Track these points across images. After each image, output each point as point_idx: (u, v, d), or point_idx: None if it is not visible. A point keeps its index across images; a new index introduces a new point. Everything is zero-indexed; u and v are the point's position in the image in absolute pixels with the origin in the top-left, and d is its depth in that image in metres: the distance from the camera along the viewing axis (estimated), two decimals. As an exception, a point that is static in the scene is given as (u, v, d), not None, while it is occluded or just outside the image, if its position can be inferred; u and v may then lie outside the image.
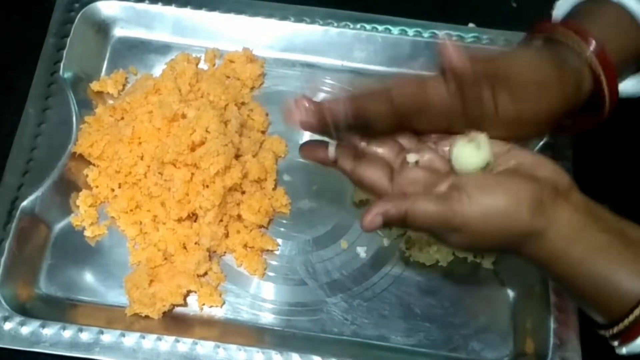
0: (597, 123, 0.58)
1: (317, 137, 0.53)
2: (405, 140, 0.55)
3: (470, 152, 0.52)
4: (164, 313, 0.64)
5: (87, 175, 0.69)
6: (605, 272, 0.49)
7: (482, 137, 0.52)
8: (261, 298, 0.66)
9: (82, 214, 0.68)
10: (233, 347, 0.61)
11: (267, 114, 0.74)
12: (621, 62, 0.55)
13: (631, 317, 0.48)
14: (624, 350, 0.50)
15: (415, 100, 0.51)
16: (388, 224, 0.50)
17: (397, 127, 0.53)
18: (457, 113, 0.52)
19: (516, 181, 0.50)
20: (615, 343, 0.51)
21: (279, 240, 0.69)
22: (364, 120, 0.51)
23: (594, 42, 0.54)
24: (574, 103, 0.54)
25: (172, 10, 0.76)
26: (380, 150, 0.54)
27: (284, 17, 0.76)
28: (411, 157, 0.53)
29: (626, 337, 0.49)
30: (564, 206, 0.49)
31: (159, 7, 0.76)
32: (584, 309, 0.53)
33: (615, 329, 0.49)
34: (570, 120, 0.58)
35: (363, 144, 0.54)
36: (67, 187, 0.69)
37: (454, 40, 0.51)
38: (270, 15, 0.76)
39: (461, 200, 0.49)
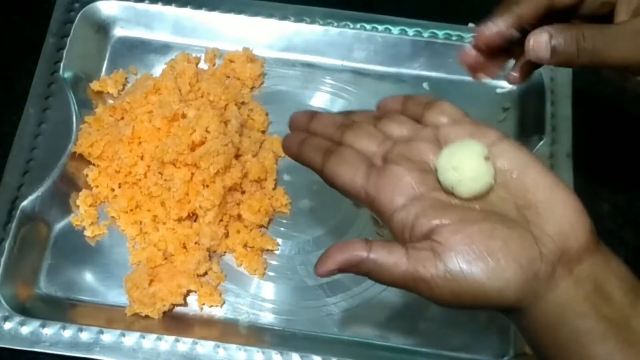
0: None
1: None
2: (394, 125, 0.48)
3: (474, 166, 0.42)
4: (164, 313, 0.64)
5: (87, 175, 0.69)
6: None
7: (483, 148, 0.43)
8: (261, 298, 0.66)
9: (82, 214, 0.68)
10: (233, 346, 0.61)
11: (267, 114, 0.74)
12: None
13: None
14: None
15: None
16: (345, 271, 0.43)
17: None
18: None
19: (511, 250, 0.40)
20: None
21: (279, 240, 0.69)
22: None
23: None
24: None
25: (172, 10, 0.76)
26: (358, 141, 0.47)
27: (284, 17, 0.76)
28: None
29: None
30: (562, 280, 0.40)
31: (159, 7, 0.76)
32: None
33: None
34: None
35: (337, 134, 0.48)
36: (67, 187, 0.68)
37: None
38: (270, 15, 0.76)
39: (436, 267, 0.40)
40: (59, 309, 0.64)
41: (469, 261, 0.40)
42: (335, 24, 0.76)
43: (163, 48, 0.77)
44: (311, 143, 0.49)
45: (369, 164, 0.46)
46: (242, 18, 0.76)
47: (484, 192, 0.42)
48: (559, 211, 0.41)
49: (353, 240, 0.43)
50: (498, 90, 0.76)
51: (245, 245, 0.67)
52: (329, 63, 0.77)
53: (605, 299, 0.40)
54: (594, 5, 0.53)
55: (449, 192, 0.43)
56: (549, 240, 0.40)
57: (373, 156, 0.47)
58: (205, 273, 0.66)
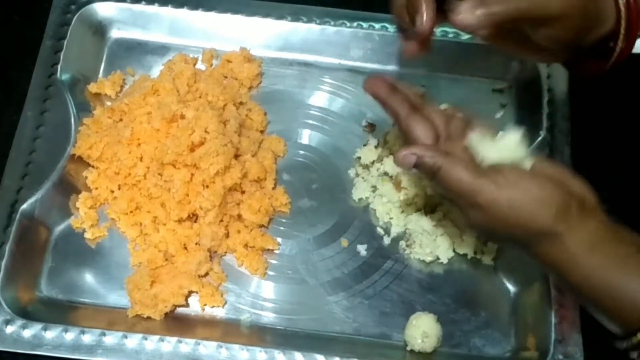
0: (603, 69, 0.58)
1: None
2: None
3: (508, 146, 0.55)
4: (166, 314, 0.64)
5: (86, 177, 0.69)
6: (621, 282, 0.49)
7: (515, 135, 0.54)
8: (262, 297, 0.66)
9: (82, 216, 0.68)
10: (235, 346, 0.61)
11: (265, 114, 0.74)
12: None
13: None
14: None
15: None
16: (418, 168, 0.53)
17: None
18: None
19: (550, 184, 0.51)
20: (635, 355, 0.51)
21: (280, 240, 0.69)
22: None
23: None
24: (593, 33, 0.55)
25: (168, 11, 0.76)
26: (433, 113, 0.57)
27: (280, 17, 0.76)
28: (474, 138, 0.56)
29: None
30: (589, 218, 0.51)
31: (155, 8, 0.76)
32: (599, 318, 0.53)
33: (630, 343, 0.50)
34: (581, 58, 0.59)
35: (419, 101, 0.57)
36: (67, 189, 0.68)
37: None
38: (267, 14, 0.76)
39: (496, 181, 0.50)
40: (61, 312, 0.64)
41: (523, 181, 0.51)
42: (332, 23, 0.76)
43: (160, 49, 0.77)
44: (398, 95, 0.58)
45: (436, 135, 0.56)
46: (239, 18, 0.76)
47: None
48: (575, 180, 0.53)
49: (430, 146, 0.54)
50: (495, 87, 0.76)
51: (245, 245, 0.67)
52: (326, 62, 0.77)
53: (619, 234, 0.51)
54: None
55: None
56: (575, 190, 0.52)
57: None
58: (206, 273, 0.66)
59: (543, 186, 0.51)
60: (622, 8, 0.55)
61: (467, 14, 0.50)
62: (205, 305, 0.65)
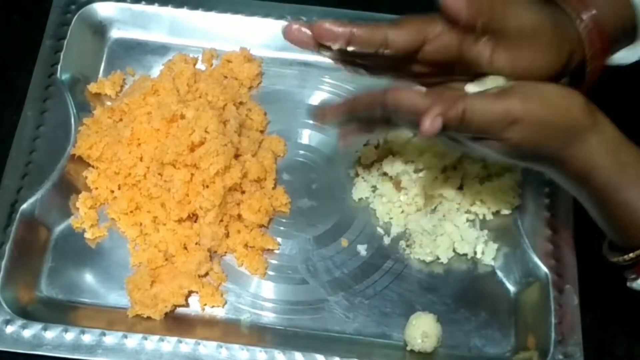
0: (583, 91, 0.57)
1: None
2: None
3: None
4: (166, 314, 0.64)
5: (86, 177, 0.69)
6: (634, 192, 0.51)
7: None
8: (262, 297, 0.66)
9: (82, 216, 0.68)
10: (236, 346, 0.61)
11: (265, 114, 0.74)
12: (613, 34, 0.56)
13: None
14: (635, 284, 0.52)
15: (411, 36, 0.53)
16: (446, 126, 0.50)
17: (394, 66, 0.54)
18: (453, 56, 0.53)
19: (568, 88, 0.52)
20: (633, 276, 0.52)
21: (280, 240, 0.69)
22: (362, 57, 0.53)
23: (592, 11, 0.54)
24: (566, 66, 0.55)
25: (168, 10, 0.76)
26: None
27: (280, 16, 0.76)
28: (470, 88, 0.54)
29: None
30: (606, 118, 0.52)
31: (155, 8, 0.76)
32: (604, 229, 0.55)
33: (632, 254, 0.51)
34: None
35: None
36: (67, 189, 0.68)
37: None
38: (267, 14, 0.76)
39: (521, 91, 0.50)
40: (61, 312, 0.64)
41: (544, 84, 0.51)
42: (332, 23, 0.76)
43: (160, 49, 0.77)
44: (356, 101, 0.57)
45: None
46: (239, 18, 0.76)
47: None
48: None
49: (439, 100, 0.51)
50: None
51: (245, 245, 0.67)
52: (326, 62, 0.76)
53: (627, 148, 0.52)
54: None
55: None
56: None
57: None
58: (207, 273, 0.66)
59: (562, 87, 0.52)
60: (583, 31, 0.55)
61: None
62: (205, 305, 0.65)
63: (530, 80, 0.53)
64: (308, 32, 0.53)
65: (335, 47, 0.53)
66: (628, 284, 0.54)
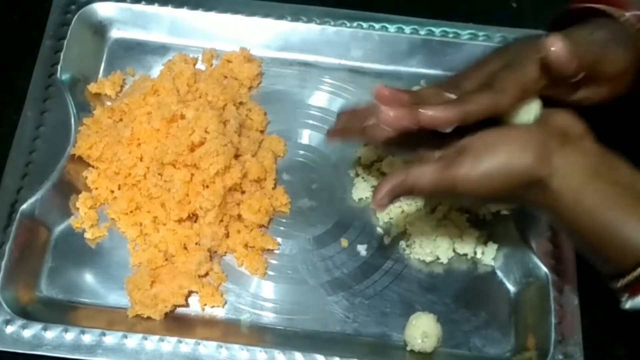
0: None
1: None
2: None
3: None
4: (166, 314, 0.64)
5: (86, 177, 0.69)
6: (614, 223, 0.49)
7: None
8: (262, 297, 0.66)
9: (82, 216, 0.68)
10: (236, 346, 0.61)
11: (265, 114, 0.74)
12: None
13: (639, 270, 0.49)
14: (627, 305, 0.52)
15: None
16: (395, 198, 0.53)
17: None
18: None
19: (522, 130, 0.51)
20: (624, 298, 0.52)
21: (280, 240, 0.69)
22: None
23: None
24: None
25: (168, 10, 0.76)
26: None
27: (280, 16, 0.76)
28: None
29: (634, 289, 0.50)
30: (573, 152, 0.50)
31: (155, 8, 0.76)
32: (592, 261, 0.54)
33: (624, 281, 0.50)
34: None
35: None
36: (67, 190, 0.68)
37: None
38: (267, 14, 0.76)
39: (463, 164, 0.50)
40: (61, 312, 0.64)
41: (492, 148, 0.50)
42: (332, 23, 0.76)
43: (160, 49, 0.77)
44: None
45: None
46: (239, 18, 0.76)
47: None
48: (558, 113, 0.52)
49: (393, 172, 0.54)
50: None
51: (245, 245, 0.67)
52: (326, 62, 0.77)
53: (610, 167, 0.50)
54: None
55: None
56: (554, 124, 0.51)
57: None
58: (206, 273, 0.66)
59: (513, 139, 0.51)
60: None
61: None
62: (205, 305, 0.65)
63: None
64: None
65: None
66: (621, 305, 0.53)
